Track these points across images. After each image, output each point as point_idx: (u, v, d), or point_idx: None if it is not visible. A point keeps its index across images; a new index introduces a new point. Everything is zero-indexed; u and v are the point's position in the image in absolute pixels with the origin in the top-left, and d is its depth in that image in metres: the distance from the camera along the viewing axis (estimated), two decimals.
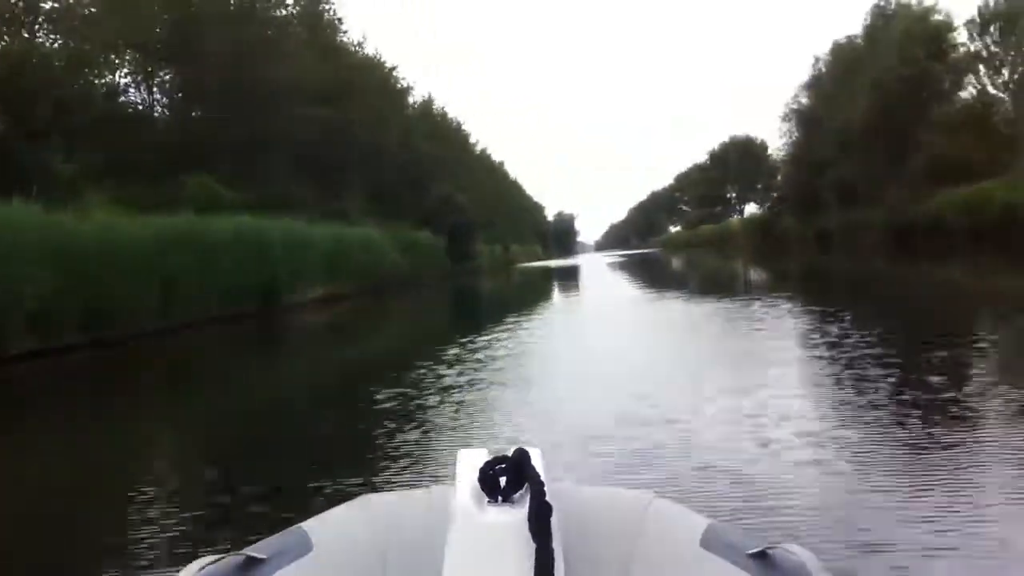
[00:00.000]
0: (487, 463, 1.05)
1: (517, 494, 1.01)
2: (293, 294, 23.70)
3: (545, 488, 0.92)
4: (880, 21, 47.25)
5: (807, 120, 55.95)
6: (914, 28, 42.14)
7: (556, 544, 0.86)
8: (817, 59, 57.46)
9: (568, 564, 0.87)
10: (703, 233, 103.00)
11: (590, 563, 0.94)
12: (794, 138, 60.03)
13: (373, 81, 42.71)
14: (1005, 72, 38.15)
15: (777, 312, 12.59)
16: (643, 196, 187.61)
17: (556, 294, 27.22)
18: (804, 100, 58.38)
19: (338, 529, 1.06)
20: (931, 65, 41.69)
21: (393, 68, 48.05)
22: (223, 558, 0.97)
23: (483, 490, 1.02)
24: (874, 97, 43.51)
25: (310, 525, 1.08)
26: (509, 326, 13.91)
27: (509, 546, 0.89)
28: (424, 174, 47.31)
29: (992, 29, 37.56)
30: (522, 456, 1.03)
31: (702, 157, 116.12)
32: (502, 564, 0.89)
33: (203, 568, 0.95)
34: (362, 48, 44.02)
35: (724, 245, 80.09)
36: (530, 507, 0.89)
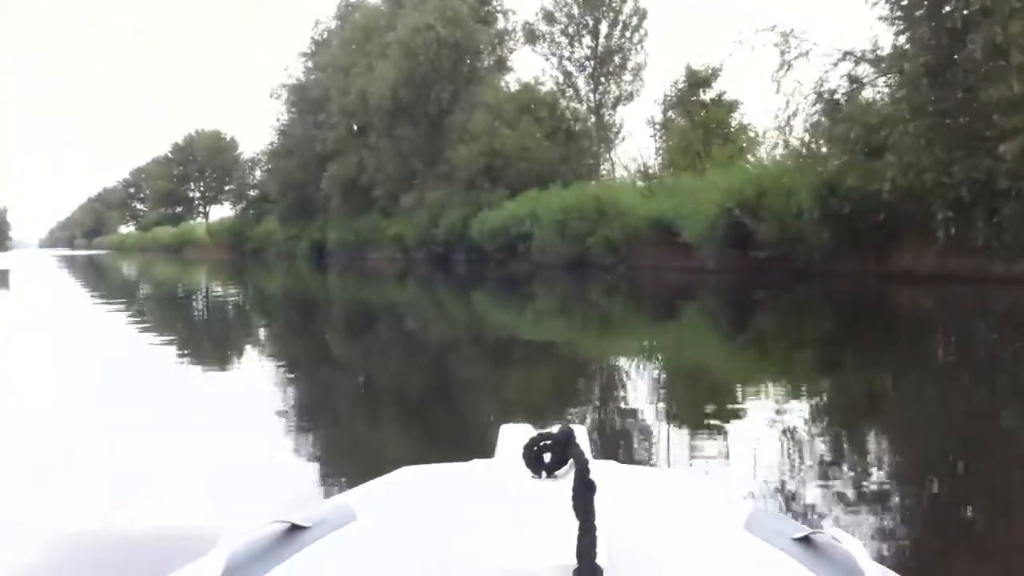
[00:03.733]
0: (532, 439, 1.05)
1: (561, 470, 1.02)
2: None
3: (589, 465, 0.90)
4: None
5: (306, 98, 42.71)
6: None
7: (599, 522, 0.83)
8: (318, 22, 44.68)
9: (611, 543, 0.84)
10: (160, 237, 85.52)
11: (633, 542, 0.92)
12: (285, 120, 46.33)
13: None
14: (585, 41, 29.03)
15: None
16: (95, 191, 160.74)
17: None
18: (301, 74, 45.08)
19: (381, 499, 1.08)
20: (477, 31, 31.42)
21: None
22: (267, 524, 0.99)
23: (527, 466, 1.03)
24: (402, 69, 31.79)
25: (353, 495, 1.10)
26: None
27: (552, 522, 0.88)
28: None
29: None
30: (567, 433, 1.04)
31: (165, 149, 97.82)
32: (545, 540, 0.87)
33: (245, 535, 0.96)
34: None
35: (185, 252, 67.16)
36: (574, 484, 0.86)
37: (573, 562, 0.80)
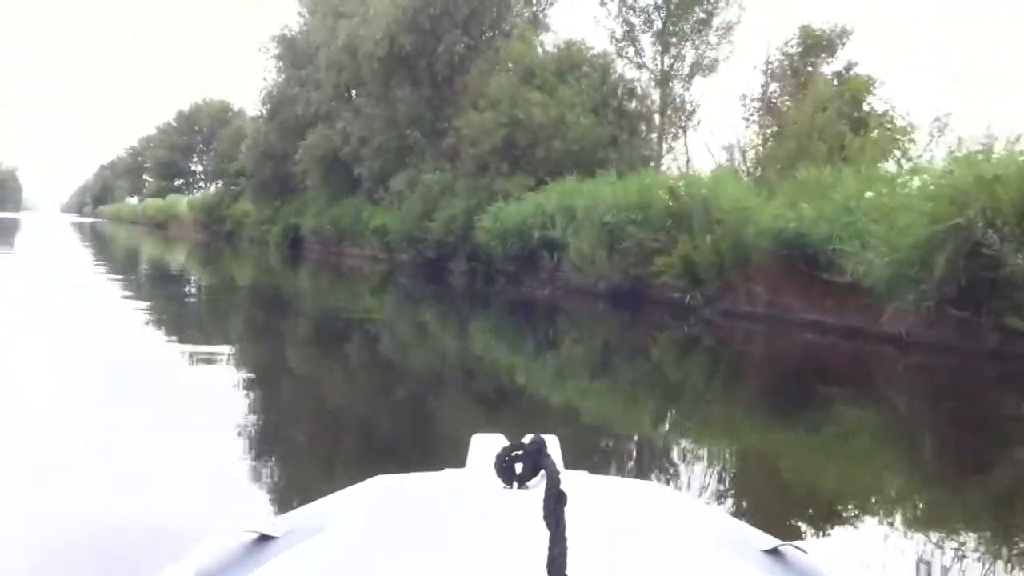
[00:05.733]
0: (504, 449, 1.04)
1: (532, 480, 1.02)
2: None
3: (560, 476, 0.88)
4: None
5: (294, 51, 34.73)
6: None
7: (570, 533, 0.81)
8: None
9: (581, 554, 0.82)
10: (147, 210, 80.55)
11: (603, 553, 0.90)
12: (275, 83, 38.14)
13: None
14: None
15: None
16: (108, 158, 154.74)
17: None
18: (296, 25, 36.93)
19: (351, 509, 1.04)
20: None
21: None
22: (235, 534, 0.97)
23: (499, 476, 1.03)
24: (404, 9, 23.72)
25: (323, 504, 1.08)
26: None
27: (523, 533, 0.87)
28: None
29: None
30: (538, 443, 1.02)
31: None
32: (515, 551, 0.86)
33: (214, 545, 0.94)
34: None
35: (170, 227, 61.61)
36: (545, 495, 0.85)
37: (544, 573, 0.78)
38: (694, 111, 21.08)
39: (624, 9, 21.17)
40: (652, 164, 20.03)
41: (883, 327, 9.43)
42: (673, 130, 21.17)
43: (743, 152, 15.50)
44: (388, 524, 0.98)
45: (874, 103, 16.64)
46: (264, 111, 38.60)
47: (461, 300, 18.01)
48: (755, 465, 5.78)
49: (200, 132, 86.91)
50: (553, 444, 1.09)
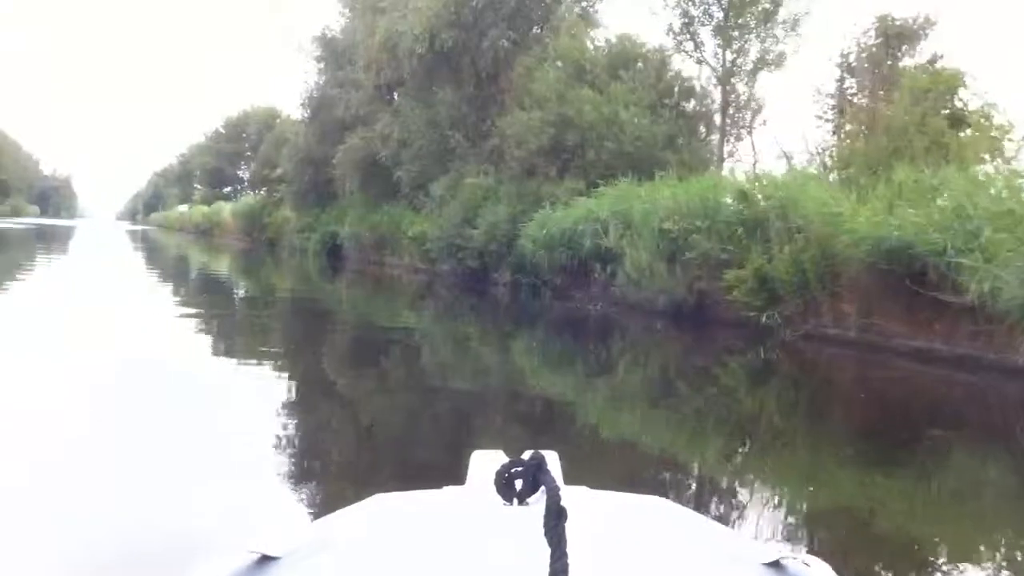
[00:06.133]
0: (504, 466, 1.02)
1: (532, 497, 0.99)
2: None
3: (561, 492, 0.88)
4: None
5: (334, 51, 33.57)
6: None
7: (571, 549, 0.80)
8: None
9: (582, 570, 0.80)
10: (193, 217, 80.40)
11: (605, 569, 0.88)
12: (315, 85, 37.04)
13: None
14: None
15: None
16: (160, 166, 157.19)
17: None
18: (336, 25, 35.80)
19: (353, 528, 1.03)
20: None
21: None
22: (235, 555, 0.94)
23: (499, 492, 1.01)
24: (445, 3, 22.31)
25: (325, 523, 1.06)
26: None
27: (524, 550, 0.85)
28: None
29: None
30: (538, 460, 1.00)
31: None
32: (516, 567, 0.85)
33: (215, 565, 0.92)
34: None
35: (214, 234, 60.71)
36: (545, 511, 0.84)
37: None
38: (760, 109, 19.33)
39: (682, 2, 19.47)
40: (713, 167, 18.33)
41: (1018, 359, 7.71)
42: (736, 130, 19.45)
43: (821, 151, 13.77)
44: (390, 543, 0.96)
45: (967, 98, 14.78)
46: (305, 115, 37.64)
47: (504, 316, 16.52)
48: (842, 522, 4.66)
49: (247, 139, 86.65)
50: (553, 460, 1.05)
